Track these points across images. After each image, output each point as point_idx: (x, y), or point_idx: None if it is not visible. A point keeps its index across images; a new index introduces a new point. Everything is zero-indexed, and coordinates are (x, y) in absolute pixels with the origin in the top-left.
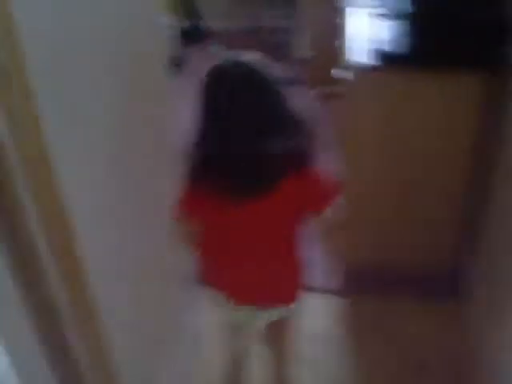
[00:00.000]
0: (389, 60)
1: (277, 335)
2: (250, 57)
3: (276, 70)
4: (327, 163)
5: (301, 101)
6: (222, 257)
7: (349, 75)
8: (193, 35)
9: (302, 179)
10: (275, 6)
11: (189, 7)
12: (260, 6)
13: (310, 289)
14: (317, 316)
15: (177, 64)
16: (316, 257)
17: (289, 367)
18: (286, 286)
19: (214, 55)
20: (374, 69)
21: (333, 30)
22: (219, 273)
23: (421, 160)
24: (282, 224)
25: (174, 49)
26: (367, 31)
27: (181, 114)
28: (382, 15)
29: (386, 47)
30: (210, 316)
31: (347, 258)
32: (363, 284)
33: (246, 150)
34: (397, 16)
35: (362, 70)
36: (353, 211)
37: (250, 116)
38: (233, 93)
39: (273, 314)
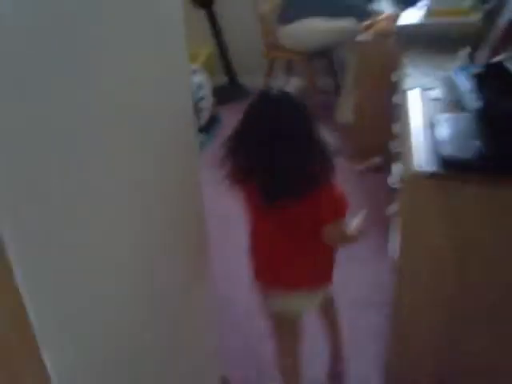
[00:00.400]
0: (458, 164)
1: (327, 310)
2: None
3: (322, 132)
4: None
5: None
6: (272, 256)
7: (405, 181)
8: (230, 93)
9: (326, 190)
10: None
11: (226, 64)
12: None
13: None
14: None
15: (214, 122)
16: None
17: (340, 334)
18: (328, 269)
19: None
20: (437, 174)
21: (382, 104)
22: (272, 269)
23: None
24: (317, 222)
25: (212, 107)
26: (428, 123)
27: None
28: (448, 106)
29: (453, 148)
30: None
31: None
32: None
33: (286, 164)
34: (465, 109)
35: (423, 176)
36: None
37: (291, 135)
38: (278, 112)
39: (321, 294)
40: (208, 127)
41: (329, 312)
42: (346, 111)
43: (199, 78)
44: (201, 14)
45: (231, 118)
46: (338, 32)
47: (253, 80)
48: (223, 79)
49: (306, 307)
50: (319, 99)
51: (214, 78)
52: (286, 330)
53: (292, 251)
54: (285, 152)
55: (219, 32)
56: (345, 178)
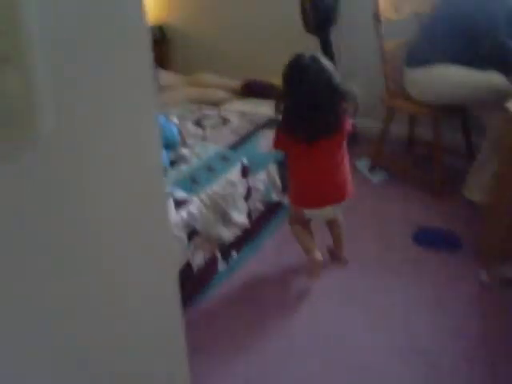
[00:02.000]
0: None
1: (334, 221)
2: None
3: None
4: None
5: None
6: (308, 180)
7: None
8: None
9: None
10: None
11: None
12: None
13: None
14: None
15: None
16: None
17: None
18: (347, 188)
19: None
20: None
21: None
22: (308, 190)
23: None
24: (341, 150)
25: None
26: None
27: None
28: None
29: None
30: None
31: None
32: None
33: (322, 110)
34: None
35: None
36: None
37: (325, 89)
38: (316, 73)
39: (337, 207)
40: None
41: (334, 223)
42: (477, 187)
43: None
44: (314, 41)
45: None
46: (479, 87)
47: (366, 124)
48: None
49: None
50: (445, 161)
51: None
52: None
53: (326, 175)
54: (322, 103)
55: (332, 60)
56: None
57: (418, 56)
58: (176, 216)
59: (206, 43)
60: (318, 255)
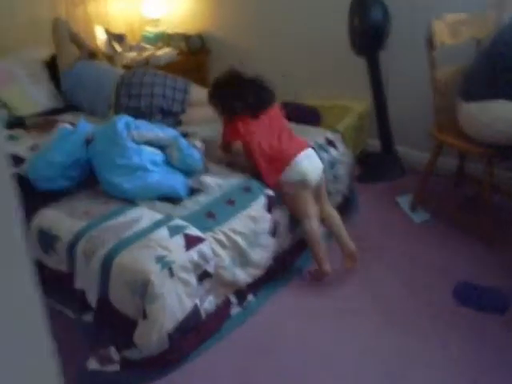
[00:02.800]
0: None
1: (329, 217)
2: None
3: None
4: None
5: None
6: (273, 145)
7: None
8: (380, 165)
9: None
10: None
11: (382, 127)
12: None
13: None
14: None
15: (347, 205)
16: None
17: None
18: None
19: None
20: None
21: None
22: (278, 153)
23: None
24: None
25: (347, 189)
26: None
27: None
28: None
29: None
30: None
31: None
32: None
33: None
34: None
35: None
36: None
37: (255, 83)
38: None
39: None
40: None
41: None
42: None
43: (335, 153)
44: (361, 62)
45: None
46: None
47: (413, 155)
48: (375, 144)
49: (308, 172)
50: (498, 204)
51: (364, 141)
52: (304, 196)
53: (283, 133)
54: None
55: (380, 87)
56: None
57: (476, 88)
58: (185, 256)
59: (246, 56)
60: (328, 267)
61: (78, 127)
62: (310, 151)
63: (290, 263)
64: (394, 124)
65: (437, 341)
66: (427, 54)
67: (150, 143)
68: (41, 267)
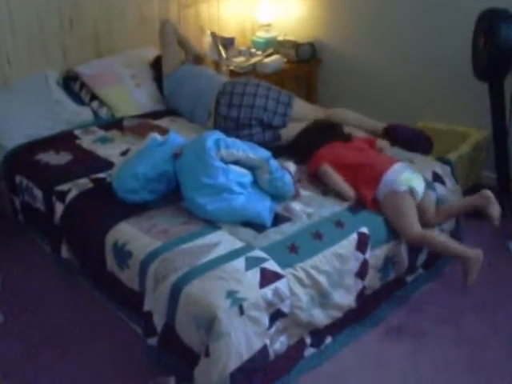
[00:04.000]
0: None
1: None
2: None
3: None
4: None
5: None
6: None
7: None
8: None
9: None
10: None
11: (500, 158)
12: None
13: None
14: None
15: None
16: None
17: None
18: None
19: None
20: None
21: None
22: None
23: None
24: None
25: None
26: None
27: None
28: None
29: None
30: None
31: None
32: None
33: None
34: None
35: None
36: None
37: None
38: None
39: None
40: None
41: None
42: None
43: (443, 189)
44: (482, 88)
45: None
46: None
47: None
48: (491, 178)
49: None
50: None
51: (478, 173)
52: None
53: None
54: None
55: (502, 115)
56: None
57: None
58: (259, 293)
59: (359, 68)
60: (474, 251)
61: (167, 139)
62: (401, 164)
63: (376, 307)
64: None
65: None
66: None
67: (239, 163)
68: (116, 281)
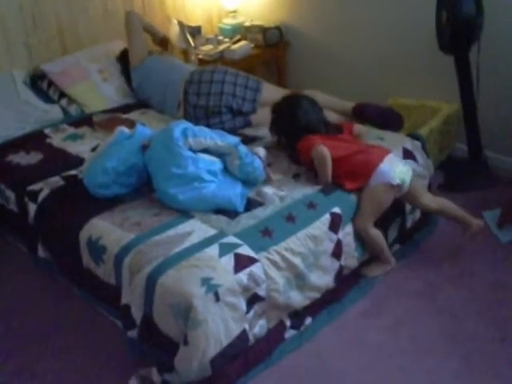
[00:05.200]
0: None
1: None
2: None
3: None
4: None
5: None
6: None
7: None
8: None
9: None
10: None
11: (470, 131)
12: None
13: None
14: None
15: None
16: None
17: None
18: None
19: None
20: None
21: None
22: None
23: None
24: None
25: None
26: None
27: None
28: None
29: None
30: None
31: None
32: None
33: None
34: None
35: None
36: None
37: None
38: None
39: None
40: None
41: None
42: None
43: (414, 166)
44: (448, 61)
45: None
46: None
47: (505, 162)
48: (462, 150)
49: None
50: None
51: (450, 146)
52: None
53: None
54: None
55: (469, 88)
56: None
57: None
58: (233, 278)
59: (328, 50)
60: (393, 261)
61: (135, 132)
62: (394, 155)
63: (354, 286)
64: (484, 128)
65: None
66: None
67: (208, 151)
68: (93, 277)
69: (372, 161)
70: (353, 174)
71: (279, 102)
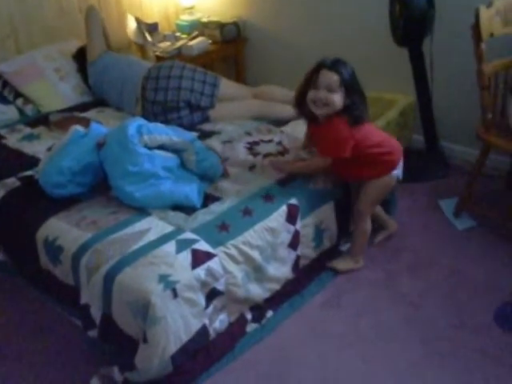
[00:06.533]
0: None
1: None
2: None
3: None
4: None
5: None
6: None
7: None
8: (423, 162)
9: None
10: None
11: (426, 122)
12: None
13: None
14: None
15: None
16: None
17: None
18: None
19: None
20: None
21: None
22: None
23: None
24: None
25: None
26: None
27: None
28: None
29: None
30: None
31: None
32: None
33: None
34: None
35: None
36: None
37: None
38: None
39: None
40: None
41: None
42: None
43: None
44: (403, 54)
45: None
46: None
47: (460, 151)
48: (419, 141)
49: None
50: None
51: (407, 137)
52: None
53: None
54: None
55: (424, 79)
56: None
57: None
58: (191, 274)
59: (286, 44)
60: (362, 262)
61: (90, 130)
62: None
63: (314, 277)
64: (439, 119)
65: (478, 380)
66: (474, 46)
67: (164, 147)
68: (51, 278)
69: (396, 154)
70: (376, 163)
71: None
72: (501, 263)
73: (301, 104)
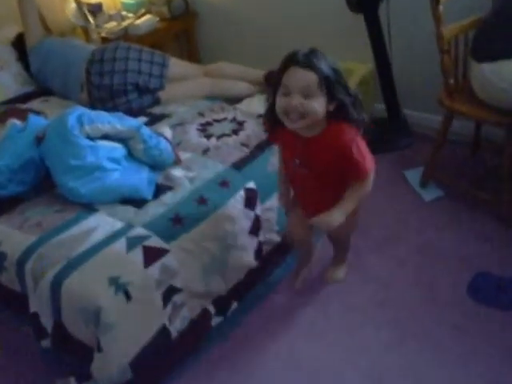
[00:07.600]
0: None
1: None
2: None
3: None
4: None
5: None
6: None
7: None
8: (386, 130)
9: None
10: None
11: (387, 90)
12: None
13: None
14: None
15: None
16: None
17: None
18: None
19: None
20: None
21: None
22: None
23: None
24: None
25: None
26: None
27: None
28: None
29: None
30: None
31: None
32: None
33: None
34: None
35: None
36: None
37: None
38: None
39: None
40: None
41: None
42: None
43: None
44: (358, 21)
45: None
46: None
47: (424, 118)
48: (381, 110)
49: None
50: None
51: (369, 106)
52: None
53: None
54: None
55: (381, 46)
56: None
57: (491, 46)
58: (144, 274)
59: (237, 18)
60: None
61: (27, 123)
62: None
63: (279, 263)
64: (400, 86)
65: (454, 356)
66: (431, 9)
67: (108, 137)
68: None
69: None
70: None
71: None
72: (470, 233)
73: (274, 121)
